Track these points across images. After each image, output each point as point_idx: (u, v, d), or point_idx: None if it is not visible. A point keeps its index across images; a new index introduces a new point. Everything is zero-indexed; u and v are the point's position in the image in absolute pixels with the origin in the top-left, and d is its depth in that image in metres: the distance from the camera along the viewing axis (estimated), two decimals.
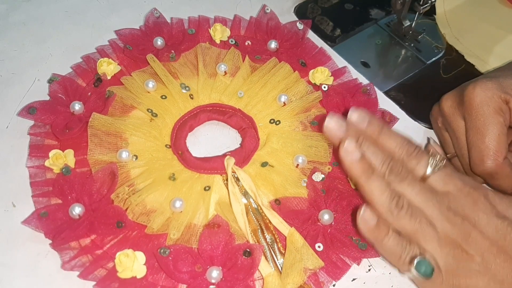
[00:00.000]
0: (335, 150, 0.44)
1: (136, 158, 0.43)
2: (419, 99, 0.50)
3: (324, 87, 0.47)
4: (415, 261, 0.34)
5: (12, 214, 0.41)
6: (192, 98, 0.47)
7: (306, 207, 0.40)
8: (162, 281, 0.36)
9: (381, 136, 0.38)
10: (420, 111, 0.49)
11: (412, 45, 0.55)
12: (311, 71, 0.49)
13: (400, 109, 0.49)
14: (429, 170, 0.37)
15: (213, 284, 0.35)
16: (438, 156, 0.37)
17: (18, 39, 0.53)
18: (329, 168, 0.43)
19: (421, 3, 0.52)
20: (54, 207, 0.39)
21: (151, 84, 0.46)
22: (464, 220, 0.34)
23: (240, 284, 0.36)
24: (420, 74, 0.52)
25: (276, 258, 0.38)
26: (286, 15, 0.57)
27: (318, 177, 0.41)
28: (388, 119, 0.46)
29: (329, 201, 0.40)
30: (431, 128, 0.47)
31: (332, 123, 0.37)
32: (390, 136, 0.38)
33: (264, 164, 0.43)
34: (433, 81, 0.51)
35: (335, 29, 0.56)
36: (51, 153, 0.41)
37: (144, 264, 0.36)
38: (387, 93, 0.50)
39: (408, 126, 0.47)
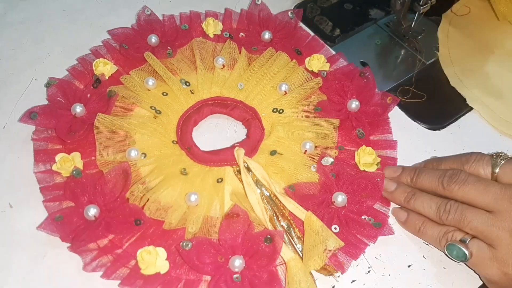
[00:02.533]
0: (341, 134, 0.45)
1: (145, 156, 0.43)
2: (419, 99, 0.50)
3: (323, 73, 0.48)
4: (446, 245, 0.36)
5: (9, 215, 0.41)
6: (193, 93, 0.48)
7: (318, 191, 0.41)
8: (185, 275, 0.37)
9: (439, 165, 0.41)
10: (420, 111, 0.49)
11: (411, 45, 0.54)
12: (307, 58, 0.50)
13: (399, 110, 0.49)
14: (495, 169, 0.37)
15: (236, 273, 0.36)
16: (498, 153, 0.38)
17: (15, 38, 0.53)
18: (335, 152, 0.44)
19: (420, 3, 0.52)
20: (68, 210, 0.39)
21: (151, 81, 0.47)
22: None
23: (263, 270, 0.36)
24: (419, 75, 0.52)
25: (294, 242, 0.39)
26: None
27: (327, 161, 0.43)
28: (389, 101, 0.47)
29: (340, 184, 0.41)
30: (430, 128, 0.48)
31: (388, 171, 0.43)
32: (447, 159, 0.41)
33: (273, 153, 0.44)
34: (432, 82, 0.51)
35: (334, 29, 0.56)
36: (57, 157, 0.41)
37: (166, 260, 0.37)
38: None
39: (408, 127, 0.48)
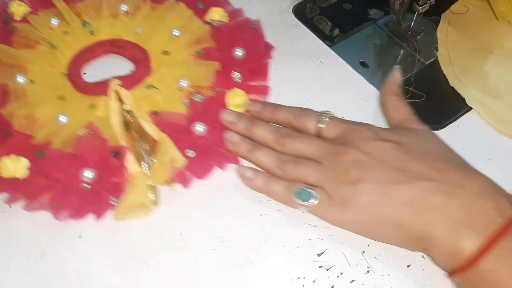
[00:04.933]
0: (219, 76, 0.49)
1: (31, 82, 0.47)
2: (418, 99, 0.50)
3: (216, 23, 0.52)
4: (293, 193, 0.39)
5: (8, 215, 0.41)
6: (93, 34, 0.52)
7: (183, 121, 0.46)
8: (40, 182, 0.41)
9: (275, 113, 0.45)
10: (419, 111, 0.49)
11: (410, 45, 0.54)
12: (208, 11, 0.54)
13: None
14: (319, 123, 0.42)
15: (86, 183, 0.41)
16: (326, 112, 0.43)
17: None
18: (212, 93, 0.48)
19: (420, 3, 0.52)
20: None
21: (54, 21, 0.52)
22: (349, 147, 0.39)
23: (111, 182, 0.41)
24: (419, 74, 0.52)
25: (145, 159, 0.43)
26: (285, 15, 0.58)
27: (198, 97, 0.47)
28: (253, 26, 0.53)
29: (205, 118, 0.46)
30: (429, 128, 0.47)
31: (226, 116, 0.45)
32: (281, 109, 0.45)
33: (148, 86, 0.48)
34: (432, 82, 0.51)
35: (333, 29, 0.56)
36: None
37: (28, 169, 0.41)
38: None
39: None
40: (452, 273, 0.36)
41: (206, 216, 0.42)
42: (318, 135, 0.42)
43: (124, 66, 0.52)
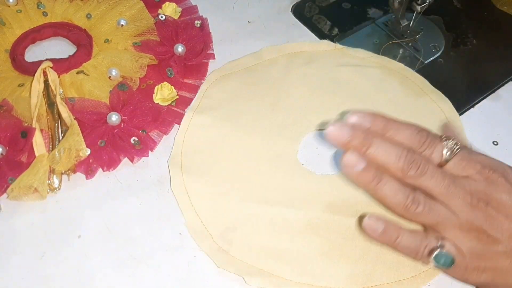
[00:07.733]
0: (153, 70, 0.50)
1: None
2: None
3: (162, 17, 0.52)
4: (433, 254, 0.35)
5: (7, 215, 0.42)
6: (45, 16, 0.54)
7: (104, 110, 0.46)
8: None
9: (388, 131, 0.36)
10: None
11: (410, 44, 0.54)
12: (162, 5, 0.55)
13: None
14: (445, 156, 0.36)
15: None
16: (452, 140, 0.36)
17: None
18: (143, 86, 0.49)
19: (419, 2, 0.53)
20: None
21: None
22: (487, 205, 0.35)
23: (16, 161, 0.43)
24: (418, 74, 0.52)
25: (55, 145, 0.45)
26: (284, 14, 0.58)
27: (122, 87, 0.47)
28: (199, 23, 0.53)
29: (124, 106, 0.46)
30: None
31: (333, 129, 0.35)
32: (398, 128, 0.36)
33: (79, 72, 0.49)
34: (431, 81, 0.51)
35: (332, 28, 0.57)
36: None
37: None
38: None
39: None
40: None
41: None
42: (441, 165, 0.36)
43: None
